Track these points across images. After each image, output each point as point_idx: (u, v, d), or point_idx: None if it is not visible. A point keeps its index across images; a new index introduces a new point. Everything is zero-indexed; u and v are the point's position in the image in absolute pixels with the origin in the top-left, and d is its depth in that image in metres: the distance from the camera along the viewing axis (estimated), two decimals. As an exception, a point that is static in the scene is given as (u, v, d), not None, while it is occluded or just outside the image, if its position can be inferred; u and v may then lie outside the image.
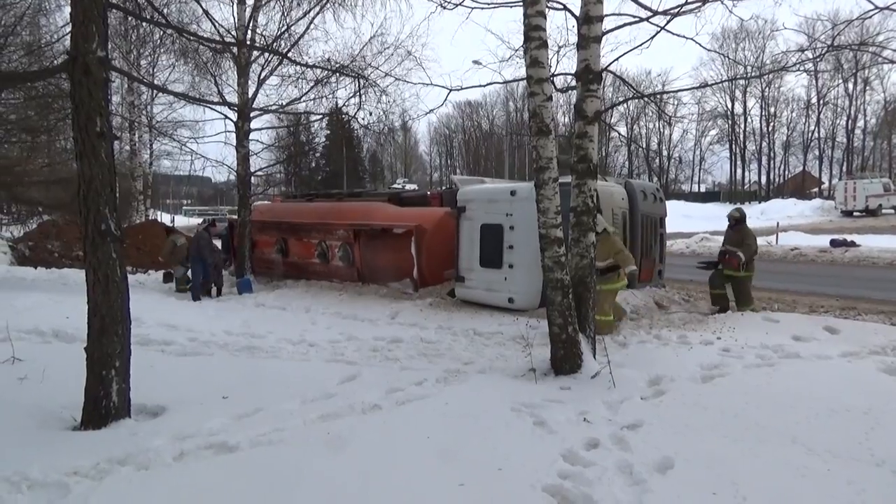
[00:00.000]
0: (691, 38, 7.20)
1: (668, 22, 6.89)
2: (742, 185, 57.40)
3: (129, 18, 20.38)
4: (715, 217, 38.81)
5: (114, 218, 4.55)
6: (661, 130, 59.69)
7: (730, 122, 56.28)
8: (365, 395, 5.38)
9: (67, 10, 15.16)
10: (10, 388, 5.41)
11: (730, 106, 55.79)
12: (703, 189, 60.72)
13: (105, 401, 4.56)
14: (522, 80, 7.56)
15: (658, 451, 4.05)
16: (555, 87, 7.41)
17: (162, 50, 21.88)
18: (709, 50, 34.83)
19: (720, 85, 49.70)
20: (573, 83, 7.28)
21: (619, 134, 54.37)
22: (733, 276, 9.50)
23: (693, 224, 31.62)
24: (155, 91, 24.53)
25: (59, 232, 18.59)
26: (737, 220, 9.69)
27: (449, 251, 10.94)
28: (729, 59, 41.35)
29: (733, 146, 57.16)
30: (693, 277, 14.01)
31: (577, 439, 4.32)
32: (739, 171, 57.83)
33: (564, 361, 6.04)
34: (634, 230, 10.69)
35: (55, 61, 12.32)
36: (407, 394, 5.52)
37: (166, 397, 5.19)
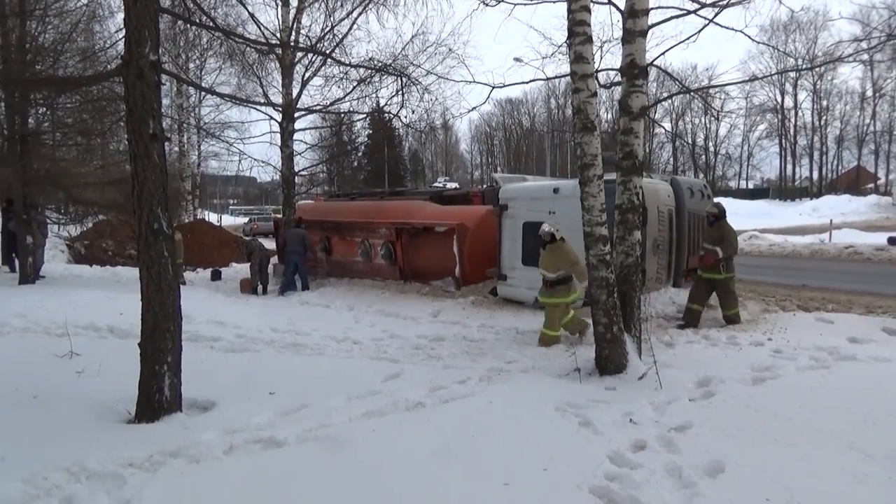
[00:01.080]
0: (740, 31, 7.00)
1: (716, 14, 6.71)
2: (792, 181, 55.65)
3: (178, 22, 20.94)
4: (764, 214, 37.82)
5: (166, 217, 4.67)
6: (707, 126, 58.32)
7: (780, 116, 54.58)
8: (409, 392, 5.41)
9: (119, 16, 15.60)
10: (69, 381, 5.63)
11: (780, 100, 54.12)
12: (751, 186, 59.08)
13: (158, 395, 4.70)
14: (565, 76, 7.47)
15: (708, 455, 3.95)
16: (598, 82, 7.31)
17: (210, 53, 22.39)
18: (758, 42, 33.87)
19: (769, 78, 48.29)
20: (617, 79, 7.18)
21: (665, 129, 53.26)
22: (714, 279, 8.52)
23: (741, 221, 30.74)
24: (203, 93, 25.13)
25: (113, 231, 19.24)
26: (716, 217, 8.83)
27: (491, 249, 10.91)
28: (779, 51, 40.01)
29: (783, 141, 55.44)
30: (742, 276, 13.66)
31: (623, 441, 4.26)
32: (790, 166, 56.08)
33: (609, 361, 5.96)
34: (681, 228, 10.46)
35: (108, 66, 12.74)
36: (450, 392, 5.52)
37: (215, 392, 5.31)
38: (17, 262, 12.78)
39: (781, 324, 8.14)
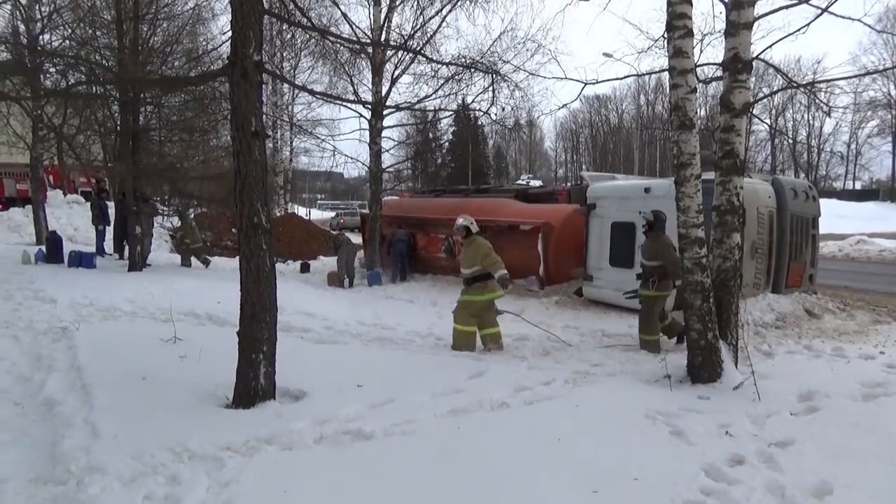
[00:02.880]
0: (858, 20, 6.52)
1: (831, 3, 6.29)
2: (906, 182, 51.57)
3: (275, 24, 21.77)
4: (874, 217, 35.23)
5: (265, 212, 4.86)
6: (810, 122, 54.92)
7: (894, 112, 50.65)
8: (493, 392, 5.38)
9: (222, 18, 16.38)
10: (173, 364, 5.97)
11: (894, 95, 50.20)
12: (858, 186, 55.18)
13: (254, 382, 4.89)
14: (662, 72, 7.24)
15: (813, 475, 3.71)
16: (698, 78, 7.02)
17: (304, 52, 23.16)
18: (880, 31, 31.24)
19: (884, 73, 44.81)
20: (716, 73, 6.87)
21: (768, 125, 50.35)
22: (644, 296, 7.66)
23: (848, 225, 28.83)
24: (296, 91, 26.01)
25: (211, 223, 20.30)
26: (649, 225, 7.68)
27: (577, 249, 10.74)
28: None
29: (897, 139, 51.42)
30: (849, 283, 12.80)
31: (718, 454, 4.07)
32: (904, 166, 51.94)
33: (703, 369, 5.72)
34: (783, 231, 9.93)
35: (210, 66, 13.41)
36: (535, 393, 5.46)
37: (306, 382, 5.47)
38: (126, 250, 13.71)
39: (895, 336, 7.56)
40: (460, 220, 7.75)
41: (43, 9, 14.44)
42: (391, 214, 15.32)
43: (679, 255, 5.94)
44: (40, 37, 14.15)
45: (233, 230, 19.02)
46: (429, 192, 21.05)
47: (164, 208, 18.61)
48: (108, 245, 15.36)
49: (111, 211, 15.37)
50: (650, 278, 7.56)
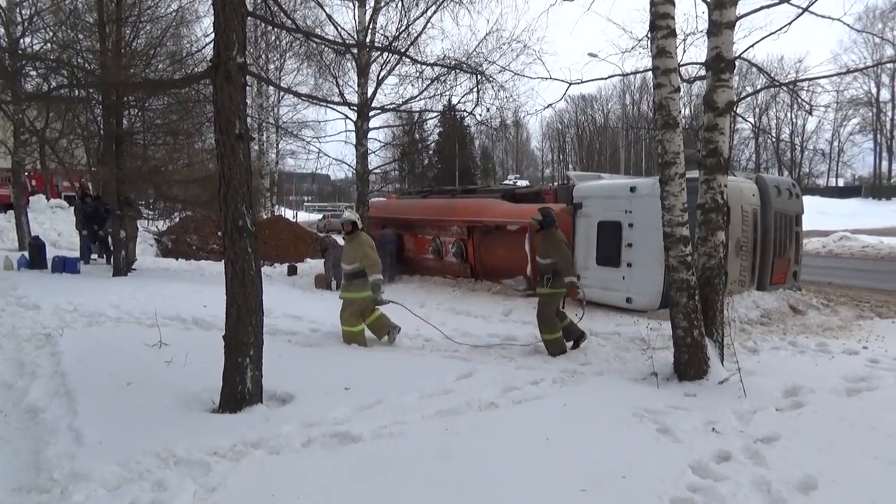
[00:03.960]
0: (838, 19, 6.59)
1: (812, 2, 6.35)
2: (888, 178, 52.19)
3: (259, 26, 21.68)
4: (856, 213, 35.66)
5: (250, 215, 4.83)
6: (794, 121, 55.45)
7: (874, 109, 51.29)
8: (481, 392, 5.39)
9: (205, 21, 16.25)
10: (159, 370, 5.92)
11: (875, 92, 50.84)
12: (841, 183, 55.79)
13: (240, 386, 4.86)
14: (646, 71, 7.27)
15: (799, 470, 3.74)
16: (681, 77, 7.06)
17: (289, 54, 23.05)
18: (860, 31, 31.68)
19: (864, 70, 45.35)
20: (699, 73, 6.91)
21: (751, 124, 50.78)
22: (540, 294, 7.56)
23: (831, 221, 29.16)
24: (282, 93, 25.90)
25: (197, 227, 20.16)
26: (540, 224, 7.59)
27: (564, 249, 10.75)
28: (882, 39, 37.41)
29: (878, 136, 52.07)
30: (833, 279, 12.94)
31: (705, 450, 4.10)
32: (885, 163, 52.63)
33: (689, 366, 5.76)
34: (766, 229, 10.02)
35: (194, 69, 13.32)
36: (523, 393, 5.48)
37: (293, 386, 5.45)
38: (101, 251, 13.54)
39: (878, 331, 7.67)
40: (347, 214, 7.84)
41: (24, 12, 14.30)
42: (379, 216, 15.28)
43: (670, 253, 5.94)
44: (21, 40, 13.99)
45: (218, 233, 18.90)
46: (416, 193, 21.01)
47: (149, 212, 18.46)
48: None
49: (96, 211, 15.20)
50: (545, 276, 7.51)
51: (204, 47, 14.09)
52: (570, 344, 7.49)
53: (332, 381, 5.66)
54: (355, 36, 13.92)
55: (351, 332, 7.54)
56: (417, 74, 14.63)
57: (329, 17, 13.66)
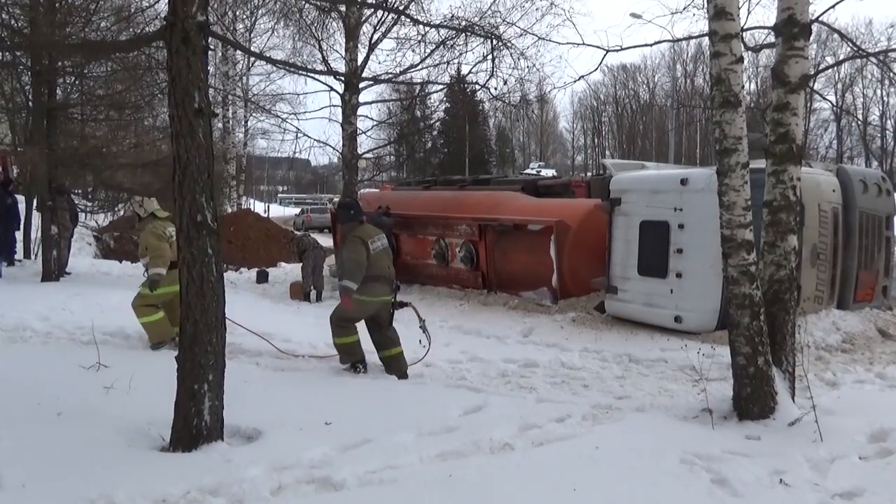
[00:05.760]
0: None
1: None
2: None
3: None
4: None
5: (211, 208, 4.85)
6: (884, 100, 55.32)
7: None
8: (493, 430, 5.38)
9: (162, -31, 16.41)
10: (96, 398, 5.93)
11: None
12: (944, 177, 55.62)
13: (196, 419, 4.87)
14: (701, 36, 7.30)
15: (887, 533, 3.73)
16: (745, 45, 7.06)
17: (262, 12, 23.17)
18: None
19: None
20: (768, 39, 6.92)
21: (832, 104, 50.64)
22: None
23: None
24: (253, 59, 26.02)
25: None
26: (334, 217, 7.92)
27: (598, 254, 10.76)
28: None
29: None
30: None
31: (771, 507, 4.09)
32: None
33: (752, 402, 5.74)
34: (850, 233, 9.99)
35: (146, 28, 13.41)
36: (545, 432, 5.47)
37: (262, 419, 5.46)
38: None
39: None
40: (136, 199, 8.25)
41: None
42: (370, 211, 15.31)
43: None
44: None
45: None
46: (416, 183, 21.07)
47: (87, 203, 18.57)
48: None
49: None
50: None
51: (157, 2, 14.18)
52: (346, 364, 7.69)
53: (309, 414, 5.66)
54: (343, -11, 13.98)
55: (151, 322, 8.05)
56: (419, 38, 14.68)
57: (311, -35, 13.73)
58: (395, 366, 7.62)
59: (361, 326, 7.66)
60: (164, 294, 7.93)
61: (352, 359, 7.60)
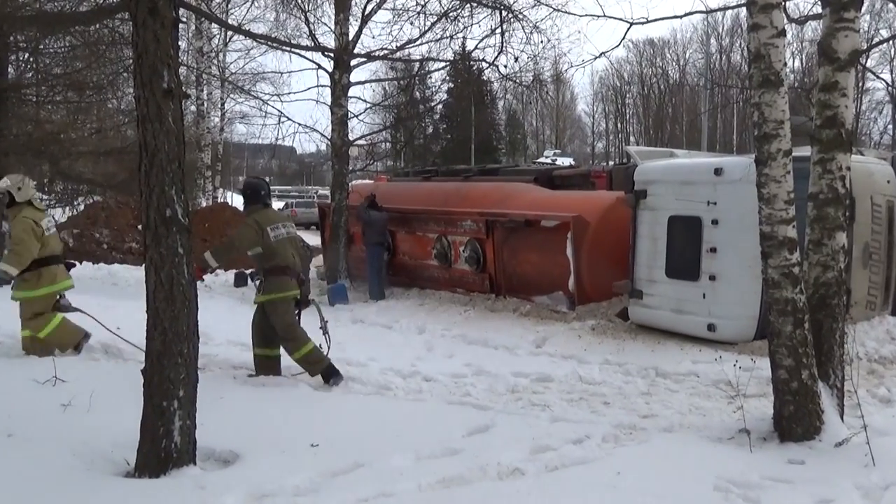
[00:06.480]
0: None
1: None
2: None
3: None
4: None
5: (182, 201, 4.85)
6: (947, 78, 55.15)
7: None
8: (501, 453, 5.38)
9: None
10: (52, 417, 5.93)
11: None
12: None
13: (165, 441, 4.87)
14: (738, 7, 7.29)
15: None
16: (787, 16, 7.06)
17: (240, -22, 23.14)
18: None
19: None
20: (815, 10, 6.92)
21: (886, 84, 50.51)
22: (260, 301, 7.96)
23: None
24: (230, 33, 26.03)
25: (110, 217, 20.25)
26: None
27: (621, 254, 10.76)
28: None
29: None
30: None
31: (816, 540, 4.09)
32: None
33: (795, 422, 5.73)
34: (906, 229, 9.98)
35: (110, -1, 13.43)
36: (560, 455, 5.46)
37: (240, 440, 5.46)
38: None
39: None
40: (4, 182, 8.05)
41: None
42: (356, 206, 15.30)
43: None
44: None
45: (138, 227, 18.99)
46: (415, 173, 21.09)
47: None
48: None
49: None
50: (256, 276, 8.02)
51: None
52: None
53: (293, 435, 5.67)
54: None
55: (27, 337, 7.96)
56: (419, 8, 14.67)
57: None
58: (268, 365, 7.84)
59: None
60: (45, 296, 7.94)
61: (321, 367, 7.64)
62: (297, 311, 7.97)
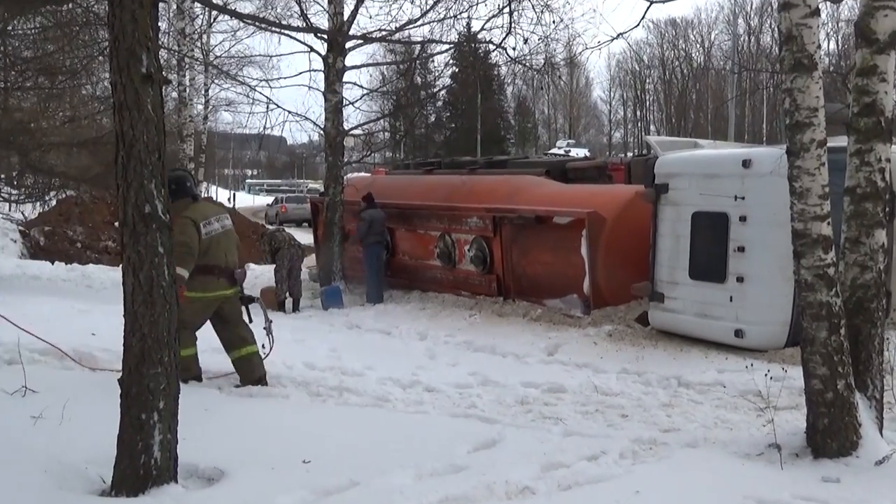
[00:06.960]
0: None
1: None
2: None
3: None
4: None
5: (162, 196, 4.85)
6: None
7: None
8: (510, 470, 5.38)
9: None
10: (21, 429, 5.93)
11: None
12: None
13: (144, 456, 4.86)
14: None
15: None
16: (822, -7, 7.04)
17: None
18: None
19: None
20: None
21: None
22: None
23: None
24: (214, 13, 26.05)
25: (83, 214, 20.30)
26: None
27: (640, 253, 10.76)
28: None
29: None
30: None
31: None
32: None
33: (830, 436, 5.73)
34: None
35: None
36: (574, 473, 5.47)
37: (225, 456, 5.46)
38: None
39: None
40: None
41: None
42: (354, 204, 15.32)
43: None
44: None
45: (115, 224, 19.03)
46: (416, 166, 21.10)
47: (12, 191, 18.61)
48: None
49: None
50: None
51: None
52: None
53: (282, 450, 5.67)
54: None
55: None
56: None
57: None
58: (248, 368, 7.83)
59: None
60: None
61: (184, 375, 7.27)
62: (242, 307, 8.07)
